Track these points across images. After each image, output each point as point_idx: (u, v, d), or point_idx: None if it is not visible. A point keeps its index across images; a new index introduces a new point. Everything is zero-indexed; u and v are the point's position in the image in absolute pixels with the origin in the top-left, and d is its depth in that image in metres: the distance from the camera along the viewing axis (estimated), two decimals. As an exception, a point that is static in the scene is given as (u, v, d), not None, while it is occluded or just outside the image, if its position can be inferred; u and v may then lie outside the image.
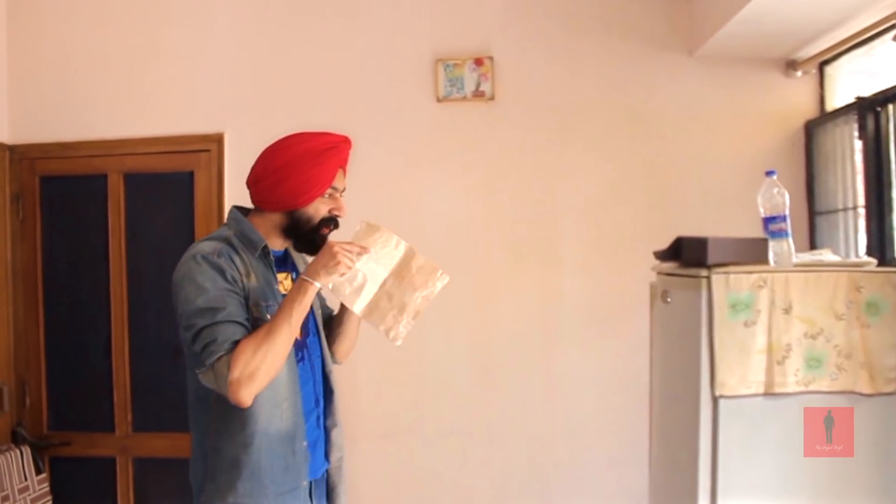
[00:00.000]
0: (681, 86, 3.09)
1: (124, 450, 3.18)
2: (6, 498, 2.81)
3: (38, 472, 3.02)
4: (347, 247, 1.63)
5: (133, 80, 3.19)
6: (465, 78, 3.08)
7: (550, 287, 3.10)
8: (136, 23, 3.20)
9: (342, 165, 1.76)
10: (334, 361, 1.94)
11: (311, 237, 1.73)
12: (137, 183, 3.20)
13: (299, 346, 1.74)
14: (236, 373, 1.51)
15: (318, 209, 1.73)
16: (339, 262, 1.60)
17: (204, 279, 1.58)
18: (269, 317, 1.63)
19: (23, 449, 2.97)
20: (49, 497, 3.04)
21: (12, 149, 3.21)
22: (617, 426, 3.04)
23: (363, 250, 1.66)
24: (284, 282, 1.78)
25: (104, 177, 3.19)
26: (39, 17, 3.23)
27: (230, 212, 1.78)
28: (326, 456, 1.83)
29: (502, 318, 3.11)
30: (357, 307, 1.69)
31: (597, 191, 3.10)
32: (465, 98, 3.09)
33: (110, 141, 3.18)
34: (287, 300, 1.61)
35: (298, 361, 1.73)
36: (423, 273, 1.71)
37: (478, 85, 3.08)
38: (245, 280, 1.64)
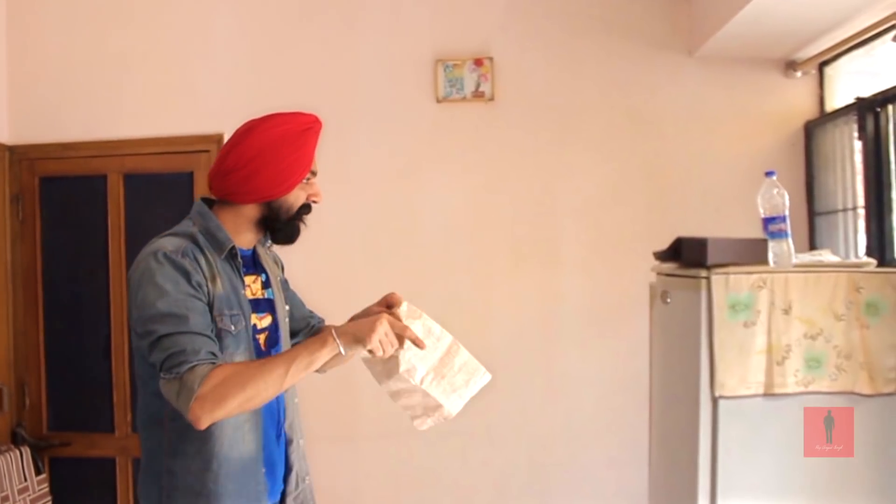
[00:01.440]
0: (681, 86, 3.09)
1: (124, 450, 3.17)
2: (6, 499, 2.80)
3: (38, 472, 3.01)
4: (395, 331, 1.47)
5: (133, 81, 3.19)
6: (465, 78, 3.08)
7: (550, 287, 3.10)
8: (136, 23, 3.19)
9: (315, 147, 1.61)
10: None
11: (288, 226, 1.60)
12: (137, 183, 3.19)
13: (262, 356, 1.59)
14: (207, 387, 1.34)
15: (297, 197, 1.59)
16: (371, 339, 1.43)
17: (165, 281, 1.42)
18: (233, 327, 1.50)
19: (22, 449, 2.97)
20: (49, 498, 3.04)
21: (12, 149, 3.20)
22: (617, 427, 3.04)
23: (398, 348, 1.49)
24: (252, 286, 1.63)
25: (104, 177, 3.19)
26: (39, 18, 3.22)
27: (196, 204, 1.61)
28: (284, 478, 1.66)
29: (502, 318, 3.10)
30: (385, 388, 1.53)
31: (597, 191, 3.10)
32: (464, 98, 3.09)
33: (110, 141, 3.18)
34: (300, 345, 1.46)
35: None
36: (466, 372, 1.53)
37: (477, 85, 3.08)
38: (210, 285, 1.48)
